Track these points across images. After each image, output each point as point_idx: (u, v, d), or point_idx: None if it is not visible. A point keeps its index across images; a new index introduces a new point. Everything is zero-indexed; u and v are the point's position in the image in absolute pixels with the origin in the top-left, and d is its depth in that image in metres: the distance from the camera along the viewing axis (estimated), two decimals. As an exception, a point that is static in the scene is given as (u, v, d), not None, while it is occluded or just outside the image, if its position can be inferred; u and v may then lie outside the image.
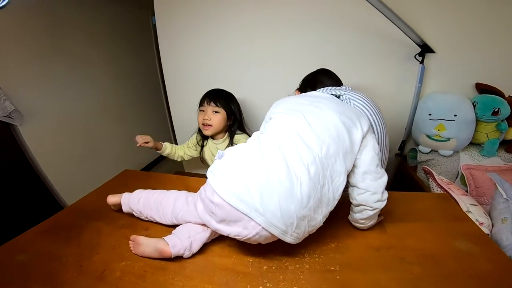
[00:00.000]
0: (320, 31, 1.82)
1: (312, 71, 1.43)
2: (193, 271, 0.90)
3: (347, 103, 1.12)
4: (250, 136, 1.70)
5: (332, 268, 0.88)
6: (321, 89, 1.20)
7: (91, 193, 1.42)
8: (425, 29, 1.61)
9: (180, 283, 0.86)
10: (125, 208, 1.16)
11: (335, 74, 1.39)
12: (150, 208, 1.10)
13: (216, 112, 1.71)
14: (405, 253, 0.94)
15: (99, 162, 2.72)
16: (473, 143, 1.82)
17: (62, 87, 2.34)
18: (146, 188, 1.28)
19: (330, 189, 0.85)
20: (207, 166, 1.90)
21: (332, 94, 1.15)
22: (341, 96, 1.15)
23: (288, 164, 0.82)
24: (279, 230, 0.79)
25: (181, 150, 1.95)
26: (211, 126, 1.71)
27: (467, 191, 1.71)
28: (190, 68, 2.12)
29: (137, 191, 1.18)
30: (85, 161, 2.57)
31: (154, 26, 3.55)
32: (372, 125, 1.07)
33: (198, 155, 1.93)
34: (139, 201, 1.12)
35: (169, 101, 2.31)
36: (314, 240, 0.98)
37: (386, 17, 1.46)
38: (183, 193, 1.12)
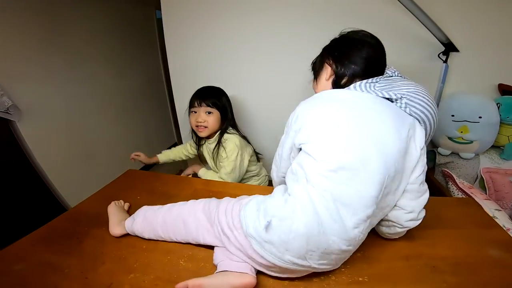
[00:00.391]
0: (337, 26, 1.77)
1: (342, 35, 1.06)
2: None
3: (403, 108, 0.87)
4: (240, 135, 1.70)
5: (360, 279, 0.84)
6: (364, 83, 0.90)
7: (92, 196, 1.35)
8: (449, 28, 1.55)
9: None
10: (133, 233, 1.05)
11: (378, 42, 1.00)
12: (162, 230, 0.98)
13: (210, 112, 1.62)
14: (437, 261, 0.90)
15: (100, 159, 2.71)
16: (494, 146, 1.78)
17: (62, 83, 2.32)
18: (151, 191, 1.28)
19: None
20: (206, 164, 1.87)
21: (385, 97, 0.87)
22: (397, 100, 0.87)
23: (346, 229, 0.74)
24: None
25: (181, 152, 1.95)
26: (207, 127, 1.63)
27: (487, 195, 1.67)
28: (197, 65, 2.07)
29: (139, 214, 1.05)
30: (85, 159, 2.55)
31: (158, 21, 3.54)
32: (426, 137, 0.89)
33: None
34: (145, 228, 1.01)
35: (174, 100, 2.26)
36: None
37: (412, 13, 1.41)
38: (200, 212, 0.95)
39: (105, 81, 2.80)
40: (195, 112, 1.64)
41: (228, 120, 1.69)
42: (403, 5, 1.39)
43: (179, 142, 4.13)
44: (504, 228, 1.25)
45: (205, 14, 1.92)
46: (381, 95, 0.87)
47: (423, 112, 0.86)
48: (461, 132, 1.67)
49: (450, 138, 1.73)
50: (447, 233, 1.04)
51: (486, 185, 1.69)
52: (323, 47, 1.11)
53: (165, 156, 1.92)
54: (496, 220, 1.29)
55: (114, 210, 1.12)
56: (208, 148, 1.77)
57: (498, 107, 1.65)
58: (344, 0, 1.71)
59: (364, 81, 0.91)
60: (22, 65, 1.99)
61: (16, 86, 1.94)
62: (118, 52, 2.95)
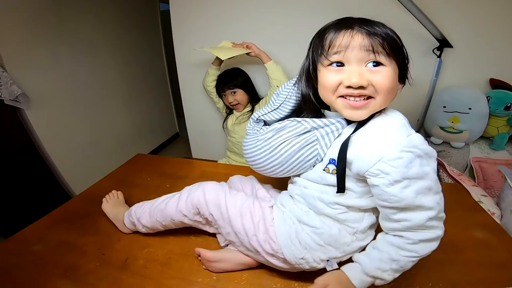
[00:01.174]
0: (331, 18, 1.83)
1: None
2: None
3: None
4: (262, 99, 1.90)
5: None
6: None
7: (103, 178, 1.41)
8: (443, 24, 1.63)
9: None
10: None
11: None
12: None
13: (234, 92, 1.90)
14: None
15: (105, 148, 2.76)
16: (483, 137, 1.86)
17: (69, 72, 2.36)
18: (161, 173, 1.30)
19: None
20: (227, 134, 2.09)
21: None
22: None
23: None
24: None
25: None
26: (239, 103, 1.92)
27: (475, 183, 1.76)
28: (203, 56, 2.11)
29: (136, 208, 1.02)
30: (91, 147, 2.60)
31: (161, 12, 3.57)
32: None
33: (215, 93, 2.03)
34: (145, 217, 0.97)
35: (181, 90, 2.33)
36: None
37: (408, 10, 1.48)
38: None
39: (111, 69, 2.84)
40: (225, 95, 1.94)
41: (253, 91, 1.99)
42: (400, 2, 1.46)
43: (180, 132, 4.21)
44: (489, 212, 1.34)
45: (211, 5, 1.97)
46: None
47: None
48: (452, 122, 1.75)
49: (441, 128, 1.82)
50: (435, 215, 1.12)
51: (475, 173, 1.77)
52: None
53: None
54: (482, 204, 1.38)
55: (109, 209, 1.09)
56: (241, 125, 1.96)
57: (488, 100, 1.73)
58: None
59: None
60: (31, 54, 2.02)
61: (25, 75, 1.97)
62: (123, 42, 2.99)
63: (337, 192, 0.71)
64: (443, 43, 1.65)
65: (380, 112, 0.71)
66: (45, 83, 2.14)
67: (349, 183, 0.71)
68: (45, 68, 2.14)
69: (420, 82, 1.83)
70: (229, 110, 2.06)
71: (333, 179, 0.71)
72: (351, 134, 0.68)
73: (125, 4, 2.97)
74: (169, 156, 1.70)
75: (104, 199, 1.13)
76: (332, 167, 0.72)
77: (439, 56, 1.70)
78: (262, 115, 0.89)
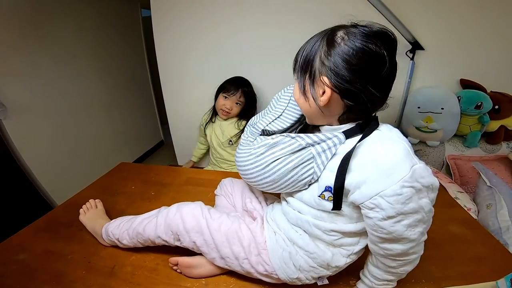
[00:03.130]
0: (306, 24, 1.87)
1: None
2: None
3: None
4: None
5: None
6: None
7: (87, 188, 1.40)
8: (415, 27, 1.70)
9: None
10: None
11: None
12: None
13: (238, 103, 1.88)
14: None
15: (87, 157, 2.70)
16: (457, 135, 1.94)
17: (49, 80, 2.30)
18: (145, 181, 1.30)
19: None
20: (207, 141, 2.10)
21: None
22: None
23: None
24: None
25: (199, 148, 2.18)
26: (229, 113, 1.88)
27: (452, 180, 1.83)
28: (186, 63, 2.14)
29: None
30: (73, 156, 2.55)
31: (143, 19, 3.56)
32: None
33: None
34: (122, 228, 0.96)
35: (164, 96, 2.32)
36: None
37: (382, 14, 1.54)
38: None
39: (91, 77, 2.79)
40: (226, 98, 1.87)
41: (252, 112, 1.94)
42: (373, 6, 1.52)
43: (165, 139, 4.19)
44: (465, 208, 1.40)
45: (193, 10, 1.98)
46: None
47: None
48: (426, 122, 1.82)
49: (417, 128, 1.88)
50: (412, 212, 1.16)
51: (451, 171, 1.85)
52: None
53: (194, 157, 2.21)
54: (458, 201, 1.43)
55: (87, 221, 1.08)
56: (221, 127, 1.96)
57: (459, 100, 1.81)
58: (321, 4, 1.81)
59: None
60: (7, 63, 1.97)
61: (2, 83, 1.92)
62: (105, 49, 2.95)
63: (332, 210, 0.69)
64: (415, 46, 1.71)
65: (372, 127, 0.68)
66: (23, 91, 2.08)
67: (345, 207, 0.69)
68: (23, 76, 2.08)
69: (395, 84, 1.88)
70: (211, 118, 2.05)
71: (329, 205, 0.69)
72: (350, 157, 0.64)
73: (106, 11, 2.95)
74: (153, 165, 1.68)
75: (81, 210, 1.10)
76: (328, 194, 0.69)
77: (411, 59, 1.76)
78: (267, 125, 0.84)
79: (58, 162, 2.40)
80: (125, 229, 0.94)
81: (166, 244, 0.88)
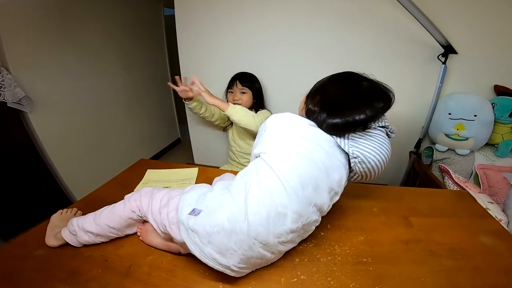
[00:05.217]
0: (338, 26, 1.86)
1: (334, 74, 1.05)
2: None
3: (352, 165, 0.91)
4: (270, 111, 1.96)
5: (364, 260, 0.91)
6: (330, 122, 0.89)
7: (107, 183, 1.39)
8: (448, 30, 1.63)
9: (212, 277, 0.85)
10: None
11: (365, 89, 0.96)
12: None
13: (243, 92, 1.94)
14: (434, 247, 0.97)
15: (107, 153, 2.77)
16: (488, 144, 1.85)
17: (74, 78, 2.37)
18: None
19: None
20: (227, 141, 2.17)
21: (337, 145, 0.90)
22: (350, 157, 0.89)
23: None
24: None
25: (215, 109, 2.05)
26: (241, 104, 1.89)
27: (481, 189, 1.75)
28: (207, 61, 2.16)
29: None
30: (93, 152, 2.61)
31: (166, 18, 3.58)
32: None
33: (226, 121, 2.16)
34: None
35: None
36: (342, 233, 1.03)
37: (414, 16, 1.49)
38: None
39: (114, 76, 2.86)
40: (232, 92, 1.97)
41: (259, 100, 2.03)
42: (404, 7, 1.46)
43: (182, 137, 4.21)
44: (496, 219, 1.33)
45: (216, 10, 1.99)
46: (335, 142, 0.90)
47: (369, 170, 0.91)
48: (457, 129, 1.74)
49: (446, 135, 1.80)
50: (443, 222, 1.11)
51: (480, 180, 1.76)
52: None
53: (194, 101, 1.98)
54: (489, 211, 1.37)
55: (55, 220, 1.06)
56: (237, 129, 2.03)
57: (493, 107, 1.73)
58: (347, 3, 1.78)
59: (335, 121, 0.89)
60: (36, 60, 2.04)
61: (30, 77, 1.98)
62: (127, 48, 3.01)
63: None
64: (448, 49, 1.65)
65: None
66: (49, 86, 2.15)
67: None
68: (50, 71, 2.16)
69: (425, 88, 1.84)
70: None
71: None
72: None
73: (130, 9, 3.00)
74: (172, 162, 1.68)
75: (58, 211, 1.11)
76: None
77: (444, 63, 1.69)
78: None
79: (79, 157, 2.46)
80: (92, 216, 0.97)
81: (133, 216, 0.97)
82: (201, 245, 0.78)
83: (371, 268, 0.88)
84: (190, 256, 0.89)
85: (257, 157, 0.91)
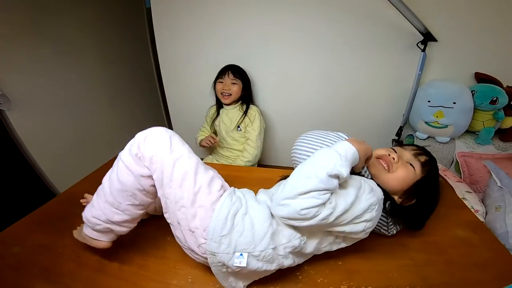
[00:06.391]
0: (320, 15, 1.83)
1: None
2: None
3: None
4: (257, 107, 1.98)
5: (334, 253, 0.88)
6: None
7: (82, 180, 1.38)
8: (428, 18, 1.61)
9: (182, 271, 0.86)
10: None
11: None
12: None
13: (234, 83, 1.94)
14: (406, 240, 0.96)
15: (91, 148, 2.69)
16: (469, 131, 1.85)
17: (51, 73, 2.29)
18: None
19: None
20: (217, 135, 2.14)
21: None
22: None
23: None
24: None
25: (202, 135, 2.14)
26: (231, 95, 1.95)
27: (460, 178, 1.75)
28: (186, 56, 2.13)
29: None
30: (77, 147, 2.54)
31: (147, 9, 3.48)
32: None
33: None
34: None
35: (164, 88, 2.35)
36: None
37: (392, 3, 1.46)
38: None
39: (94, 69, 2.77)
40: (222, 82, 1.95)
41: (248, 93, 2.03)
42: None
43: (170, 128, 4.13)
44: (473, 210, 1.32)
45: (194, 2, 1.94)
46: None
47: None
48: (437, 117, 1.74)
49: (426, 123, 1.80)
50: (417, 213, 1.11)
51: (461, 168, 1.76)
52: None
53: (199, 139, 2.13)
54: (466, 201, 1.36)
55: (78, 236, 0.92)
56: (228, 114, 2.02)
57: (473, 94, 1.72)
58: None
59: None
60: (10, 56, 1.97)
61: (5, 76, 1.92)
62: (107, 40, 2.90)
63: None
64: (427, 37, 1.63)
65: None
66: (26, 83, 2.08)
67: None
68: (25, 69, 2.08)
69: (405, 76, 1.83)
70: (216, 114, 2.10)
71: None
72: None
73: (109, 1, 2.89)
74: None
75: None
76: None
77: (423, 50, 1.68)
78: None
79: (62, 152, 2.40)
80: (102, 201, 0.82)
81: (150, 182, 0.80)
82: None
83: (340, 263, 0.88)
84: (161, 251, 0.92)
85: None
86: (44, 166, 2.22)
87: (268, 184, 1.06)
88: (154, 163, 0.78)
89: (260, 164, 2.22)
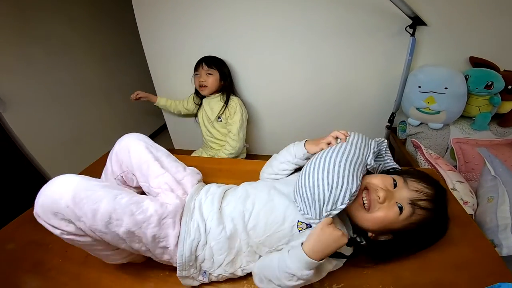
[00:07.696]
0: (305, 2, 1.77)
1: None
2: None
3: None
4: (238, 98, 1.98)
5: None
6: None
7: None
8: (419, 2, 1.56)
9: (161, 265, 0.88)
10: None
11: None
12: None
13: (209, 74, 1.94)
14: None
15: (88, 144, 2.73)
16: (465, 116, 1.79)
17: (42, 71, 2.31)
18: None
19: None
20: (199, 126, 2.17)
21: None
22: None
23: None
24: None
25: (180, 105, 2.22)
26: (207, 86, 1.95)
27: (455, 166, 1.70)
28: (171, 50, 2.12)
29: None
30: (75, 143, 2.58)
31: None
32: None
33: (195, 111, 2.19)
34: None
35: (154, 83, 2.36)
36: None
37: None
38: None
39: (88, 65, 2.78)
40: (198, 74, 1.97)
41: (227, 83, 2.02)
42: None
43: (164, 123, 4.14)
44: (461, 202, 1.28)
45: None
46: None
47: None
48: (428, 102, 1.69)
49: (418, 109, 1.75)
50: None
51: (456, 156, 1.71)
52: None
53: (163, 101, 2.24)
54: (455, 192, 1.31)
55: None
56: (209, 105, 2.03)
57: (467, 79, 1.66)
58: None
59: None
60: (0, 58, 1.99)
61: (-2, 79, 1.94)
62: (99, 35, 2.91)
63: None
64: (416, 21, 1.57)
65: None
66: (18, 84, 2.11)
67: None
68: (16, 69, 2.10)
69: (395, 62, 1.78)
70: (200, 103, 2.11)
71: None
72: None
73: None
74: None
75: None
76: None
77: (412, 34, 1.62)
78: None
79: (61, 150, 2.45)
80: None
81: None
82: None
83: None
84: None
85: None
86: (43, 162, 2.27)
87: (252, 176, 1.09)
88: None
89: (248, 154, 2.23)
